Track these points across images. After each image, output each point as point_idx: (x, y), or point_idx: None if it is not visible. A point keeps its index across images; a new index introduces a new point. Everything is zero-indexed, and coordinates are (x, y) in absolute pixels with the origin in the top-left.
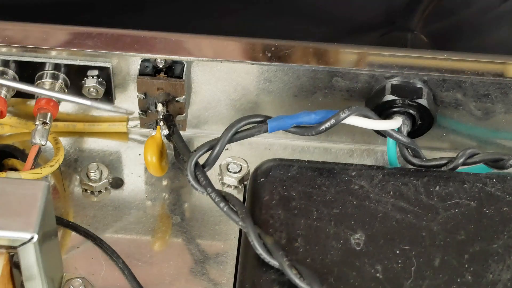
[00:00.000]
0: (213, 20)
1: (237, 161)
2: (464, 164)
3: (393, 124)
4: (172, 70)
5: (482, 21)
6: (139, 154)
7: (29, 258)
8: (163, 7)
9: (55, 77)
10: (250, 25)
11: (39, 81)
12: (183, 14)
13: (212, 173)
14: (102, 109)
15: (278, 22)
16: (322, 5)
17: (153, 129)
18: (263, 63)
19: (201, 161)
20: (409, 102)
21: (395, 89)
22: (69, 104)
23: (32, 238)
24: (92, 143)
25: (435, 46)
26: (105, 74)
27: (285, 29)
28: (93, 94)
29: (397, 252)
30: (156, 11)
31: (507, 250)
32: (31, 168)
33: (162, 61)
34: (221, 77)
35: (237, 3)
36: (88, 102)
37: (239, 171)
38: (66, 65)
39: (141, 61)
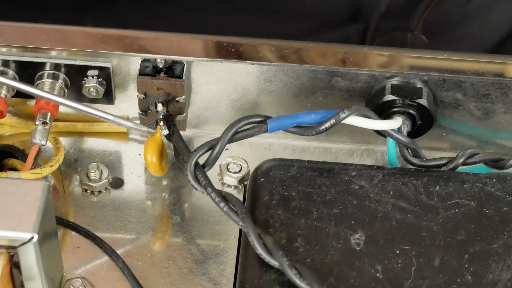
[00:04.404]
0: (174, 17)
1: (237, 161)
2: (464, 164)
3: (393, 124)
4: (172, 70)
5: (481, 21)
6: (139, 154)
7: (29, 258)
8: (122, 2)
9: (55, 77)
10: (213, 22)
11: (39, 81)
12: (143, 10)
13: (212, 173)
14: (123, 126)
15: (241, 19)
16: (285, 1)
17: (153, 129)
18: (263, 63)
19: (201, 161)
20: (409, 102)
21: (395, 89)
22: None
23: (32, 238)
24: (92, 143)
25: (435, 46)
26: (105, 74)
27: (249, 26)
28: (93, 94)
29: (397, 252)
30: (117, 7)
31: (507, 250)
32: (31, 168)
33: (162, 61)
34: (221, 77)
35: (200, 0)
36: (110, 117)
37: (239, 171)
38: (66, 65)
39: (141, 61)
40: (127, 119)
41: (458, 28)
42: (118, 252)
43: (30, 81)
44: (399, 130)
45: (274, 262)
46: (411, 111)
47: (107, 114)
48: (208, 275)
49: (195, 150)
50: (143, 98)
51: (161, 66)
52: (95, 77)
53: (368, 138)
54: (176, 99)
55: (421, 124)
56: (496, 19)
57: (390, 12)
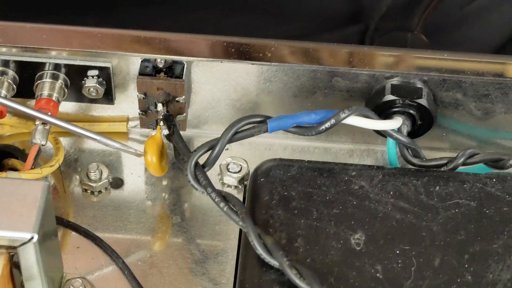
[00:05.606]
0: (172, 17)
1: (237, 161)
2: (464, 164)
3: (393, 124)
4: (172, 70)
5: (481, 23)
6: None
7: (29, 258)
8: (119, 3)
9: (55, 77)
10: (213, 22)
11: (39, 81)
12: (143, 10)
13: (212, 173)
14: (110, 146)
15: (241, 19)
16: (285, 1)
17: (153, 129)
18: (263, 63)
19: (201, 161)
20: (409, 102)
21: (395, 89)
22: (69, 104)
23: (32, 238)
24: (92, 143)
25: (435, 48)
26: (105, 74)
27: (249, 26)
28: (93, 94)
29: (397, 252)
30: (117, 7)
31: (507, 250)
32: (31, 168)
33: (162, 61)
34: (221, 77)
35: (200, 0)
36: (97, 137)
37: (239, 171)
38: (66, 65)
39: (141, 61)
40: (117, 141)
41: (458, 30)
42: (118, 252)
43: (30, 81)
44: (399, 130)
45: (274, 262)
46: (411, 111)
47: (95, 135)
48: (208, 275)
49: (195, 150)
50: (143, 98)
51: (161, 66)
52: (95, 77)
53: (368, 138)
54: (176, 99)
55: (421, 124)
56: (496, 21)
57: (390, 13)
